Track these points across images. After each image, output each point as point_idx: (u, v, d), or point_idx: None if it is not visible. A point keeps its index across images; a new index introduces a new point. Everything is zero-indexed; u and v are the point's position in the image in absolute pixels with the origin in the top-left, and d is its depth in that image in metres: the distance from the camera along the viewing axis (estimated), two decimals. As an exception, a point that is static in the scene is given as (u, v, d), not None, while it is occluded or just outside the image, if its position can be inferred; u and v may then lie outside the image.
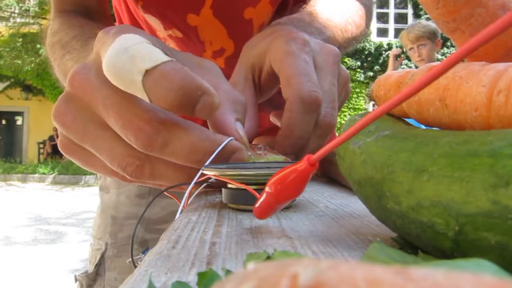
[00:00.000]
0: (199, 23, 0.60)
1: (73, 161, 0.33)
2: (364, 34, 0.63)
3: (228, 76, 0.42)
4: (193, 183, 0.29)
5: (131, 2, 0.61)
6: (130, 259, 0.36)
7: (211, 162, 0.29)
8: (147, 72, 0.25)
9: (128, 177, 0.30)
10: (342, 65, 0.44)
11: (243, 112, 0.34)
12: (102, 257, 0.71)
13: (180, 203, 0.29)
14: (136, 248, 0.69)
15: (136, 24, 0.66)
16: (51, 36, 0.56)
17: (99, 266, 0.71)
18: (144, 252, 0.65)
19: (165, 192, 0.32)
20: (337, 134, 0.65)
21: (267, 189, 0.20)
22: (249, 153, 0.33)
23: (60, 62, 0.51)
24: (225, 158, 0.30)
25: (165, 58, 0.26)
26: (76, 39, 0.51)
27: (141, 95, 0.26)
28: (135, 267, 0.18)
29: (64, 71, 0.50)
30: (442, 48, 9.37)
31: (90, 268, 0.72)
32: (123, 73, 0.25)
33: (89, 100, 0.29)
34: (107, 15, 0.66)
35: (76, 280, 0.72)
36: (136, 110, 0.27)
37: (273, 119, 0.49)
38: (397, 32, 10.16)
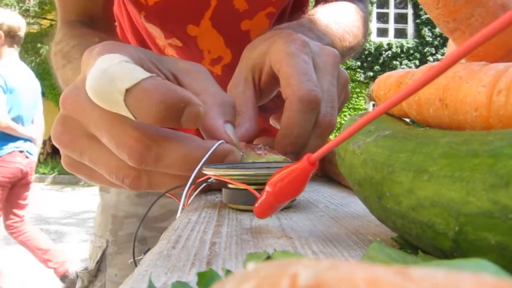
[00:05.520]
0: (199, 33, 0.63)
1: (79, 176, 0.34)
2: (361, 44, 0.66)
3: (225, 83, 0.43)
4: (192, 184, 0.29)
5: (133, 11, 0.63)
6: (131, 260, 0.37)
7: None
8: (128, 91, 0.25)
9: (127, 188, 0.31)
10: (341, 67, 0.44)
11: (232, 113, 0.34)
12: (103, 254, 0.72)
13: (180, 202, 0.30)
14: (136, 246, 0.70)
15: (136, 32, 0.68)
16: (54, 47, 0.58)
17: (100, 262, 0.72)
18: (145, 252, 0.65)
19: (167, 194, 0.33)
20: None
21: (267, 188, 0.20)
22: (241, 153, 0.33)
23: (62, 72, 0.53)
24: (219, 162, 0.31)
25: (145, 75, 0.26)
26: (76, 48, 0.53)
27: (126, 113, 0.26)
28: (136, 266, 0.18)
29: (65, 80, 0.52)
30: (441, 48, 9.39)
31: (91, 265, 0.73)
32: (105, 95, 0.26)
33: (82, 120, 0.30)
34: (111, 24, 0.67)
35: (77, 276, 0.73)
36: (126, 128, 0.28)
37: (272, 121, 0.49)
38: (397, 32, 10.16)
